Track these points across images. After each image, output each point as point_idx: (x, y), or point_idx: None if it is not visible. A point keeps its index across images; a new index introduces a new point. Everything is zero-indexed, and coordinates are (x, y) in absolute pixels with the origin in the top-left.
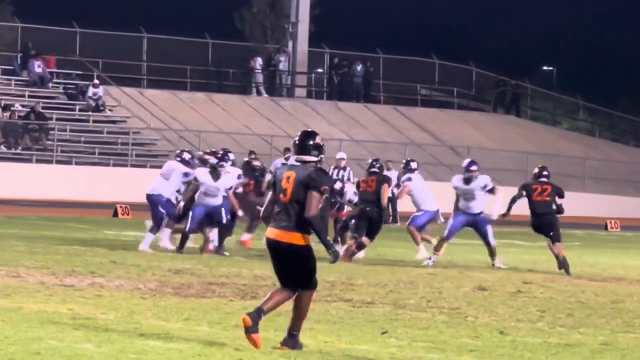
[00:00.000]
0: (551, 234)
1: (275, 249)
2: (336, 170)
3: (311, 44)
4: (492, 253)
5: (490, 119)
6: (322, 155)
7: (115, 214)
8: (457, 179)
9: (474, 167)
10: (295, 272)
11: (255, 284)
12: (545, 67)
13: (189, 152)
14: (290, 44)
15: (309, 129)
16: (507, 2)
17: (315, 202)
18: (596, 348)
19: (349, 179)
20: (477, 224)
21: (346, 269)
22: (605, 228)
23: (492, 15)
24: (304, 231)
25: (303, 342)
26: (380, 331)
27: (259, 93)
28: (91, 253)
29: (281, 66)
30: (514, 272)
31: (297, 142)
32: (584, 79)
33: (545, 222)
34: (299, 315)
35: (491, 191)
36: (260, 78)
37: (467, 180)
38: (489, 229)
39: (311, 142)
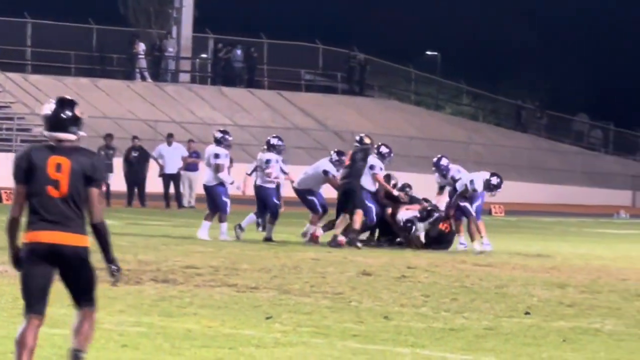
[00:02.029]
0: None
1: (52, 256)
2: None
3: (195, 29)
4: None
5: (374, 104)
6: (80, 133)
7: (0, 200)
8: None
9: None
10: (80, 284)
11: (140, 269)
12: (429, 52)
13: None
14: (174, 29)
15: (66, 96)
16: None
17: (99, 203)
18: (480, 333)
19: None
20: None
21: (229, 253)
22: (490, 213)
23: (376, 0)
24: (84, 231)
25: (187, 326)
26: (264, 316)
27: (143, 78)
28: None
29: (169, 52)
30: (399, 257)
31: (50, 114)
32: (468, 64)
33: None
34: (89, 336)
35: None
36: (143, 63)
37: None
38: None
39: (70, 114)
